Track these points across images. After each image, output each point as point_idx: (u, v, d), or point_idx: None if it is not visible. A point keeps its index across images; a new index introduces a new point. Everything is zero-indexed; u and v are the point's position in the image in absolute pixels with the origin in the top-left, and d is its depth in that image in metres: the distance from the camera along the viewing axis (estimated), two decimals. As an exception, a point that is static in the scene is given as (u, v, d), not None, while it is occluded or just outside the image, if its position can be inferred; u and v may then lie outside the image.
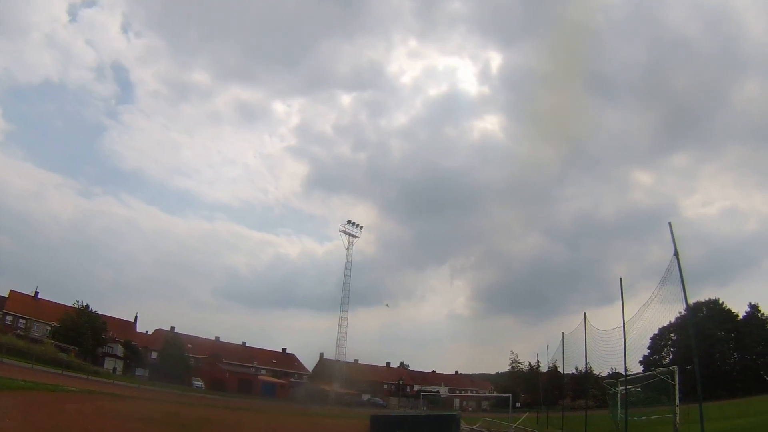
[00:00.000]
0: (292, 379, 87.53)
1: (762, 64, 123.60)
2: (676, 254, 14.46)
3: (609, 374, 40.42)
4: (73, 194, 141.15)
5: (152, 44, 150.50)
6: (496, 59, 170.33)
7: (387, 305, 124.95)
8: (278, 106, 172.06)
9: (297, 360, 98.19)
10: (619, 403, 30.73)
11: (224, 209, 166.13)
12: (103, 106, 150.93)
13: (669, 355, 78.16)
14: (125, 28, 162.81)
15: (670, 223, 14.80)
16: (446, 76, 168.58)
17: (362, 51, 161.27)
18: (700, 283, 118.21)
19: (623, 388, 28.76)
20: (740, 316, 78.84)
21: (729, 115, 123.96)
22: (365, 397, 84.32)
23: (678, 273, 14.58)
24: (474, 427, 37.35)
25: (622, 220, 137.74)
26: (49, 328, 63.97)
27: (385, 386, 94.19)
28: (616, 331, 20.32)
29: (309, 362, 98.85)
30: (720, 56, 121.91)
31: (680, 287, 14.58)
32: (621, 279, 20.53)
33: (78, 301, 66.22)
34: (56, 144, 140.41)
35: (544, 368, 56.33)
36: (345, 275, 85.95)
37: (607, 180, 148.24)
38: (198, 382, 69.17)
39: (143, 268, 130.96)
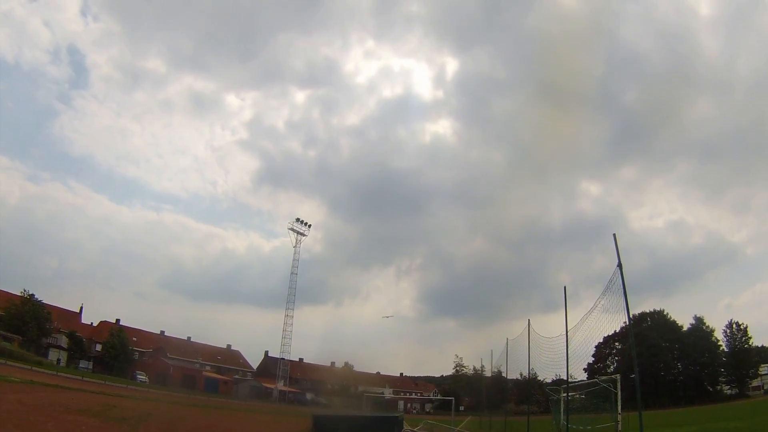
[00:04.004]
0: (236, 376, 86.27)
1: (713, 85, 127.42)
2: (619, 265, 14.82)
3: (553, 380, 41.24)
4: (21, 178, 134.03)
5: (108, 28, 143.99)
6: (451, 63, 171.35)
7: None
8: (231, 99, 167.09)
9: (242, 356, 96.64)
10: (562, 409, 31.41)
11: (172, 200, 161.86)
12: (56, 89, 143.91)
13: (613, 364, 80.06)
14: (84, 11, 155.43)
15: (614, 234, 15.24)
16: (401, 77, 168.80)
17: (318, 48, 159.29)
18: (644, 293, 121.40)
19: (566, 394, 29.66)
20: (684, 328, 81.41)
21: (678, 131, 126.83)
22: (309, 395, 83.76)
23: (621, 284, 14.95)
24: (416, 429, 37.85)
25: (568, 228, 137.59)
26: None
27: (329, 386, 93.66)
28: (560, 338, 20.78)
29: (254, 359, 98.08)
30: (673, 74, 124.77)
31: (623, 298, 14.94)
32: (565, 287, 21.15)
33: (24, 290, 64.77)
34: (5, 125, 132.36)
35: (488, 373, 57.29)
36: (292, 273, 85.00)
37: (554, 188, 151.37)
38: (142, 376, 67.72)
39: (88, 256, 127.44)
